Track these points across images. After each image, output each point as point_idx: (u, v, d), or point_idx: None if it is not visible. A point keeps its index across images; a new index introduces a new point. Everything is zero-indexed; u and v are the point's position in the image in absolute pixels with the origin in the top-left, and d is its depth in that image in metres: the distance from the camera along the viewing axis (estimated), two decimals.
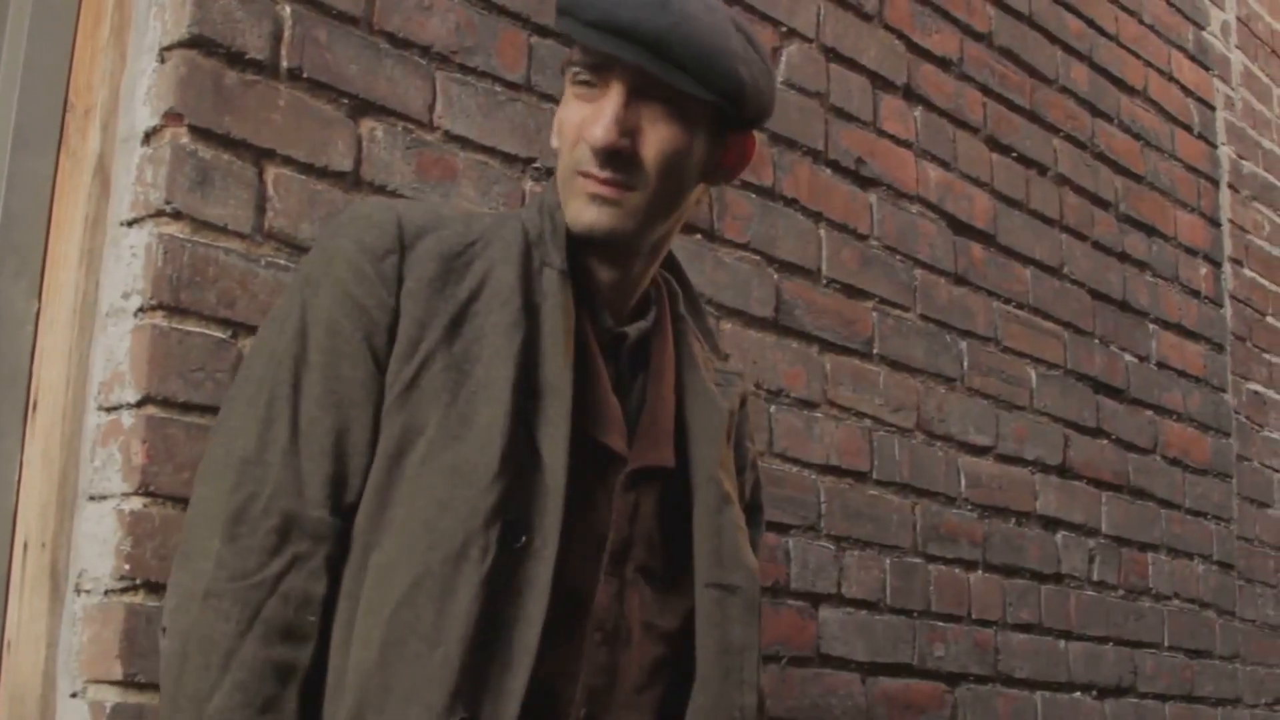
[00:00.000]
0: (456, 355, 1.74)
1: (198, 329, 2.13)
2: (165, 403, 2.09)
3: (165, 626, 1.68)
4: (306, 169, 2.31)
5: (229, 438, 1.72)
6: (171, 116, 2.16)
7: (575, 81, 1.81)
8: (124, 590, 2.03)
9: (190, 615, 1.64)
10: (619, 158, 1.77)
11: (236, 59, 2.23)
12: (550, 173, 2.62)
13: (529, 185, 2.63)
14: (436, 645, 1.64)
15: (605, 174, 1.78)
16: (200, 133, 2.18)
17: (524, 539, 1.70)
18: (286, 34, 2.31)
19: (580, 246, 1.85)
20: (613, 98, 1.77)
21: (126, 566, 2.03)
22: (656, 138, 1.79)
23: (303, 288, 1.77)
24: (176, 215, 2.13)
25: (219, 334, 2.16)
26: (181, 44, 2.18)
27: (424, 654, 1.64)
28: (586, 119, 1.79)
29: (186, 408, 2.11)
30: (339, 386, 1.72)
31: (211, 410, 2.11)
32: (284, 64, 2.30)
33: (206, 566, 1.65)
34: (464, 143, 2.55)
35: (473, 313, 1.77)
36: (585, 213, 1.80)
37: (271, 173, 2.26)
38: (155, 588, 2.04)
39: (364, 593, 1.68)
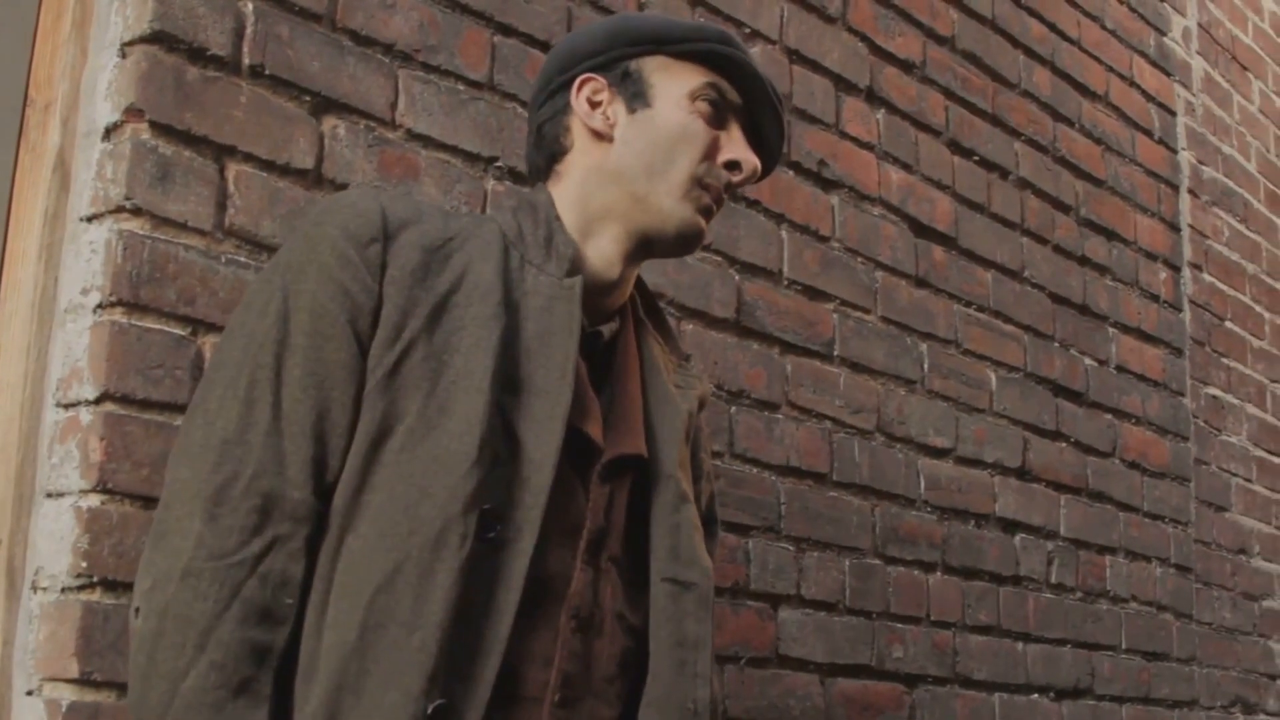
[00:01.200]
0: (437, 345, 1.76)
1: (157, 326, 2.13)
2: (124, 400, 2.08)
3: (138, 606, 1.67)
4: (268, 166, 2.30)
5: (207, 419, 1.72)
6: (132, 112, 2.15)
7: (704, 100, 1.97)
8: (81, 588, 2.02)
9: (167, 593, 1.64)
10: None
11: (198, 55, 2.23)
12: (513, 172, 2.62)
13: (491, 184, 2.63)
14: (414, 630, 1.65)
15: (727, 192, 1.99)
16: (161, 129, 2.17)
17: (499, 528, 1.71)
18: (249, 30, 2.30)
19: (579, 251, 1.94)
20: (739, 131, 2.00)
21: (84, 564, 2.02)
22: None
23: (284, 273, 1.78)
24: (137, 211, 2.13)
25: (178, 331, 2.15)
26: (143, 39, 2.18)
27: (402, 639, 1.65)
28: (724, 143, 1.98)
29: (145, 405, 2.10)
30: (321, 369, 1.73)
31: (170, 408, 2.11)
32: (246, 61, 2.29)
33: (185, 545, 1.65)
34: (426, 141, 2.55)
35: (452, 304, 1.79)
36: (696, 219, 1.95)
37: (233, 169, 2.25)
38: (112, 585, 2.03)
39: (338, 576, 1.69)
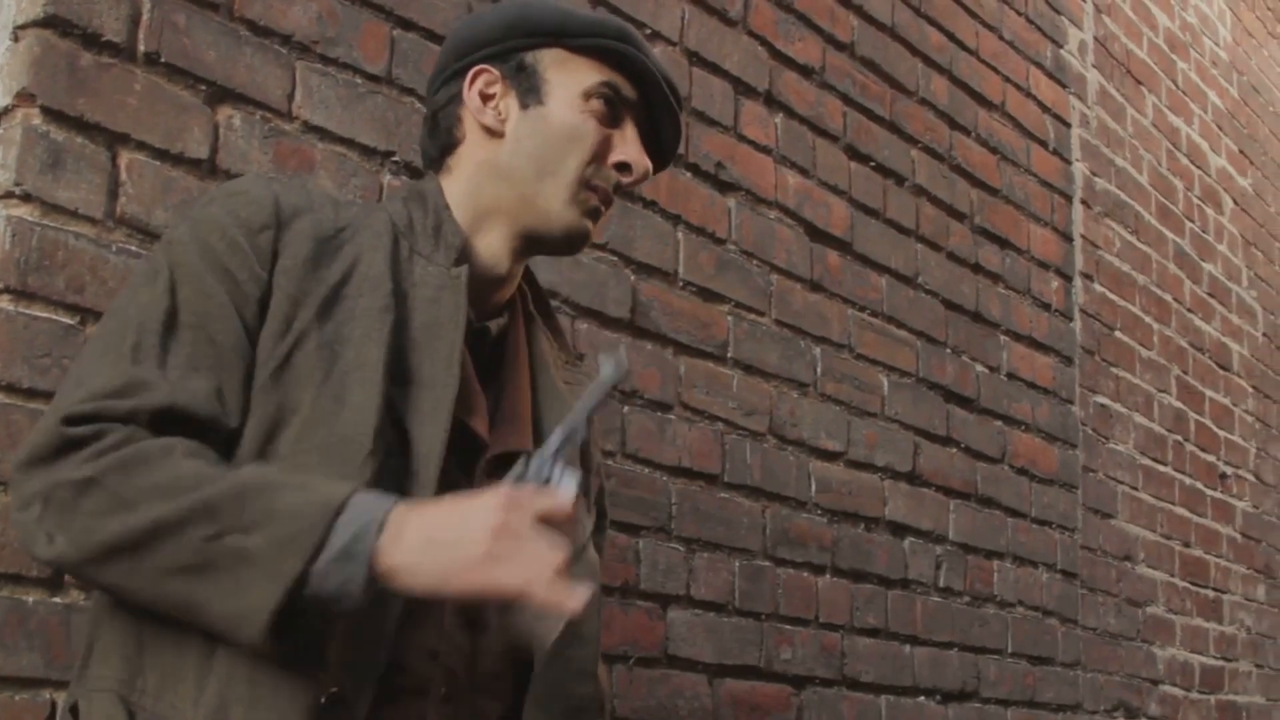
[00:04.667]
0: (328, 335, 1.74)
1: (45, 314, 2.10)
2: (9, 389, 2.06)
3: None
4: (161, 155, 2.28)
5: (79, 380, 1.67)
6: (24, 97, 2.13)
7: (598, 98, 1.94)
8: None
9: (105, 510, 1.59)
10: None
11: (93, 40, 2.21)
12: (409, 167, 2.62)
13: (387, 178, 2.62)
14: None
15: (615, 194, 1.97)
16: (53, 114, 2.15)
17: None
18: (145, 17, 2.28)
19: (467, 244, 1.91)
20: (634, 130, 1.97)
21: None
22: None
23: (170, 252, 1.74)
24: (26, 197, 2.10)
25: (67, 320, 2.13)
26: (36, 23, 2.15)
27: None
28: (616, 143, 1.95)
29: (31, 394, 2.08)
30: (210, 349, 1.69)
31: None
32: (141, 47, 2.28)
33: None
34: (323, 134, 2.53)
35: (343, 295, 1.77)
36: (582, 223, 1.94)
37: (125, 157, 2.23)
38: None
39: None
